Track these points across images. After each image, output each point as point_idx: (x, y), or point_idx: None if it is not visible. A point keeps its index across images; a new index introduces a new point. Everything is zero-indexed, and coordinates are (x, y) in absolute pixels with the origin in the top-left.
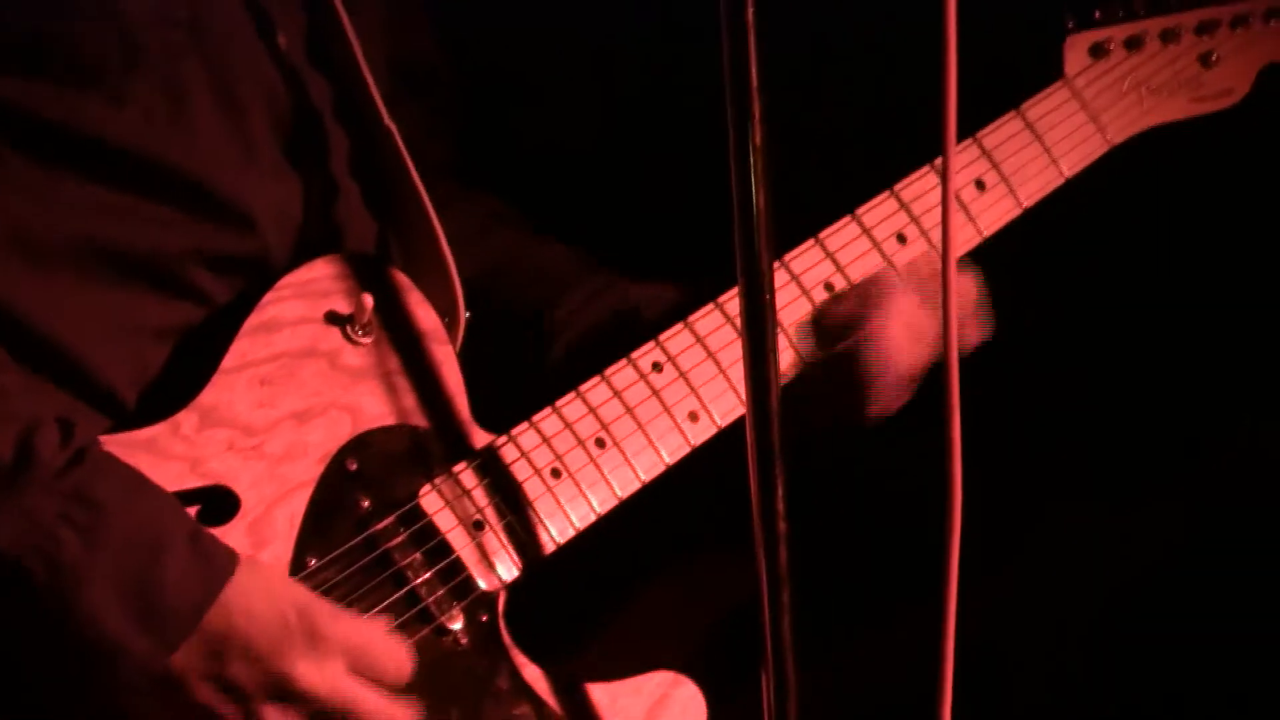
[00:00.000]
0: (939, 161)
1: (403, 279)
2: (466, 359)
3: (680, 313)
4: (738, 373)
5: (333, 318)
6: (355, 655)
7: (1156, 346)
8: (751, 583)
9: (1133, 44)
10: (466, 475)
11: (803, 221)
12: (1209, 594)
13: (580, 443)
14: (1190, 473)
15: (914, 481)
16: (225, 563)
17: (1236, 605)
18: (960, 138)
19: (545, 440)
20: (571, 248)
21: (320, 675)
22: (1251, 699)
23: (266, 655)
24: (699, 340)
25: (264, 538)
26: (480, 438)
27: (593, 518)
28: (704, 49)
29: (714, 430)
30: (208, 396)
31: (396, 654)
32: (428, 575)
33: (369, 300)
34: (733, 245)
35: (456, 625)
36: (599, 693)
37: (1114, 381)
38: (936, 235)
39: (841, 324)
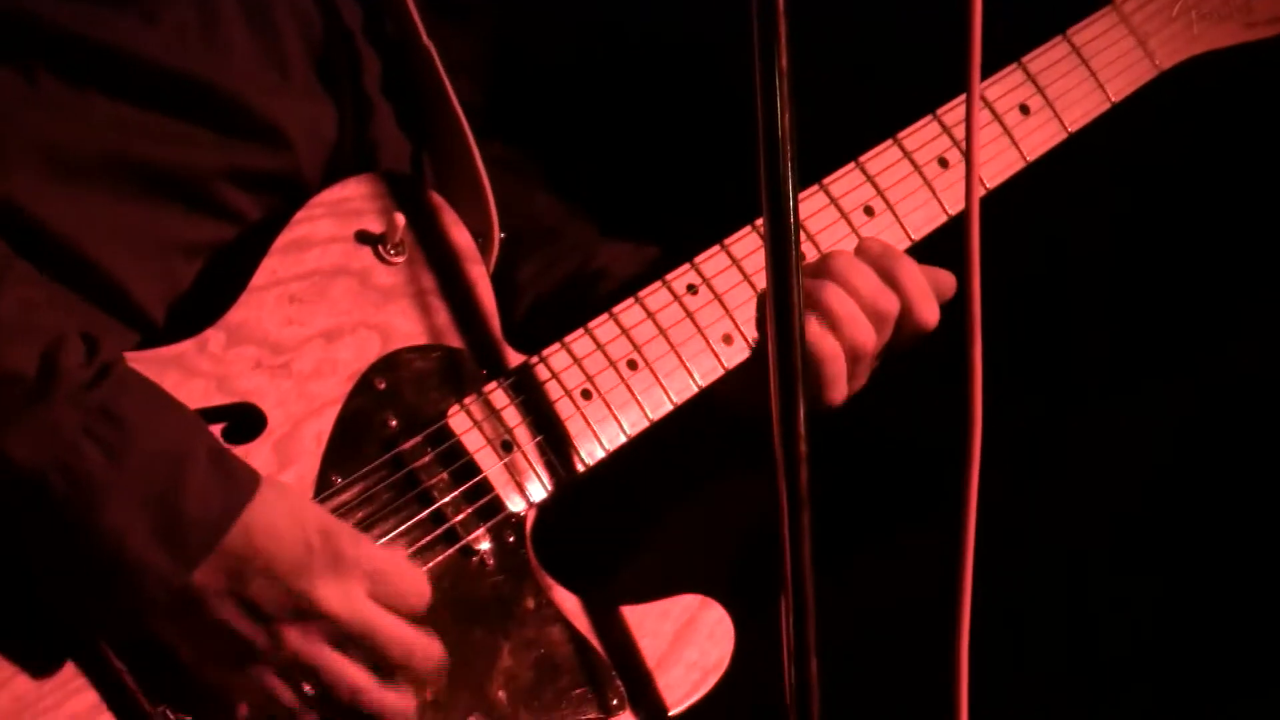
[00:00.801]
0: (984, 85)
1: (437, 198)
2: (498, 279)
3: (655, 273)
4: None
5: (364, 237)
6: (376, 579)
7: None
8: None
9: None
10: (496, 395)
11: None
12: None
13: (612, 364)
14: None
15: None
16: (248, 482)
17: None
18: (1006, 63)
19: (576, 361)
20: (564, 201)
21: (341, 597)
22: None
23: (288, 575)
24: (735, 263)
25: (290, 456)
26: (512, 358)
27: (623, 439)
28: None
29: (748, 353)
30: (236, 314)
31: (416, 580)
32: (454, 495)
33: (401, 219)
34: (756, 168)
35: (483, 546)
36: (626, 616)
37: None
38: (981, 158)
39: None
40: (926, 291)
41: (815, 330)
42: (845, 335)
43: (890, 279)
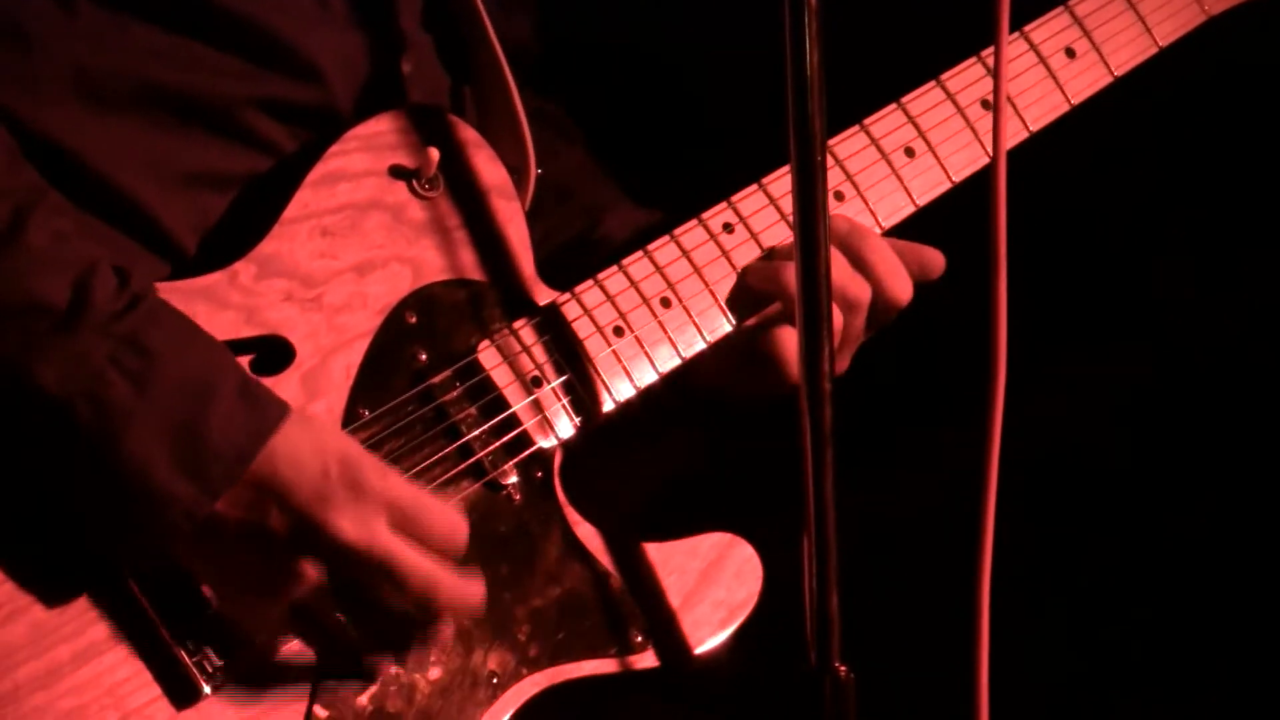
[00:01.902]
0: (1029, 28)
1: (472, 134)
2: (533, 215)
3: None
4: None
5: (398, 171)
6: (399, 511)
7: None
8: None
9: None
10: (526, 331)
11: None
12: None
13: (645, 301)
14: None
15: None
16: (274, 413)
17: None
18: (1052, 6)
19: (609, 298)
20: (587, 157)
21: (357, 527)
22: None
23: (305, 505)
24: (772, 201)
25: (318, 388)
26: (543, 294)
27: (654, 377)
28: None
29: None
30: (267, 246)
31: (448, 517)
32: (482, 430)
33: (435, 154)
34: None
35: (510, 480)
36: (653, 553)
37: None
38: (1024, 101)
39: (761, 291)
40: (897, 269)
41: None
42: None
43: (859, 261)
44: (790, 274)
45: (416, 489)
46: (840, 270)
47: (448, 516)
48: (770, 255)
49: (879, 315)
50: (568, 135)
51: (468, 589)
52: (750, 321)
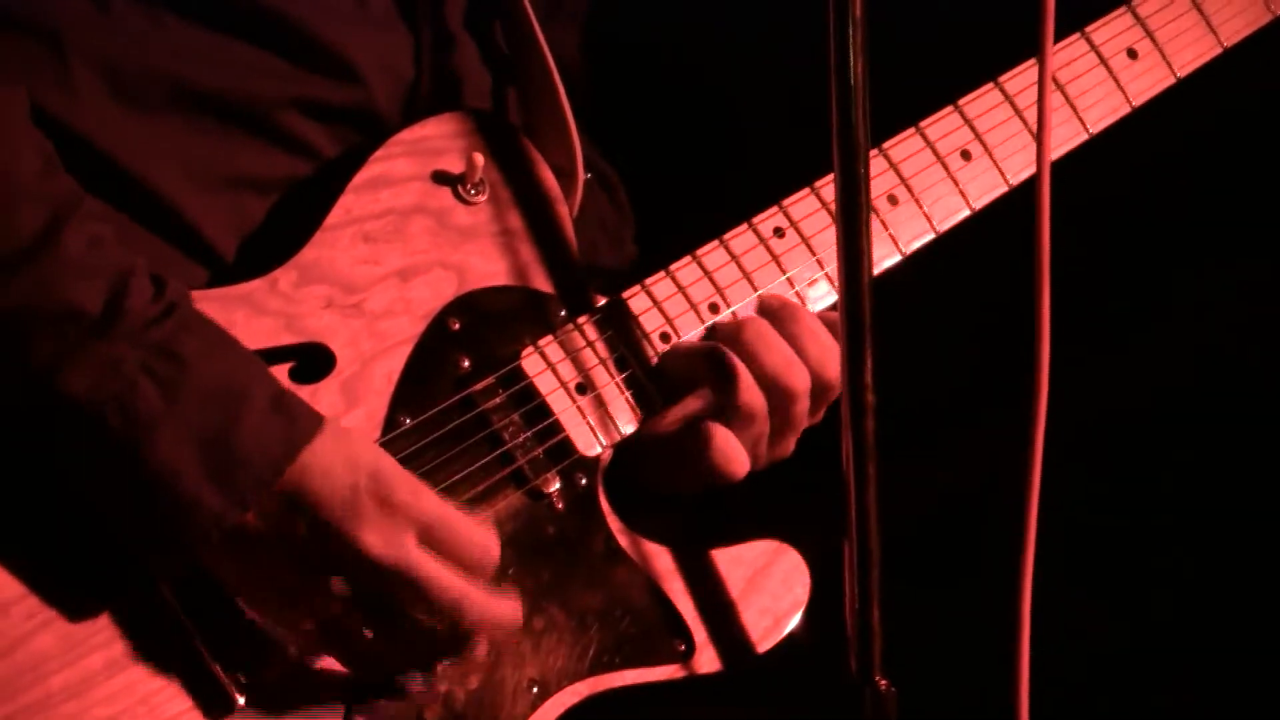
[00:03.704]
0: (1090, 29)
1: (520, 137)
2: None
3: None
4: None
5: (443, 176)
6: (429, 529)
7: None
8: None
9: None
10: (572, 337)
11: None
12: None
13: (693, 307)
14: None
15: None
16: (308, 424)
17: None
18: (1115, 6)
19: (657, 304)
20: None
21: (385, 543)
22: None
23: (334, 519)
24: (824, 205)
25: (358, 395)
26: (589, 301)
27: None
28: None
29: (834, 298)
30: (309, 253)
31: (481, 536)
32: (525, 437)
33: (480, 159)
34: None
35: (553, 488)
36: (699, 561)
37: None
38: (1085, 103)
39: (699, 374)
40: (832, 349)
41: (716, 439)
42: (743, 430)
43: (795, 346)
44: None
45: (448, 506)
46: (778, 356)
47: (478, 535)
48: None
49: (821, 397)
50: (605, 182)
51: (499, 607)
52: (670, 417)
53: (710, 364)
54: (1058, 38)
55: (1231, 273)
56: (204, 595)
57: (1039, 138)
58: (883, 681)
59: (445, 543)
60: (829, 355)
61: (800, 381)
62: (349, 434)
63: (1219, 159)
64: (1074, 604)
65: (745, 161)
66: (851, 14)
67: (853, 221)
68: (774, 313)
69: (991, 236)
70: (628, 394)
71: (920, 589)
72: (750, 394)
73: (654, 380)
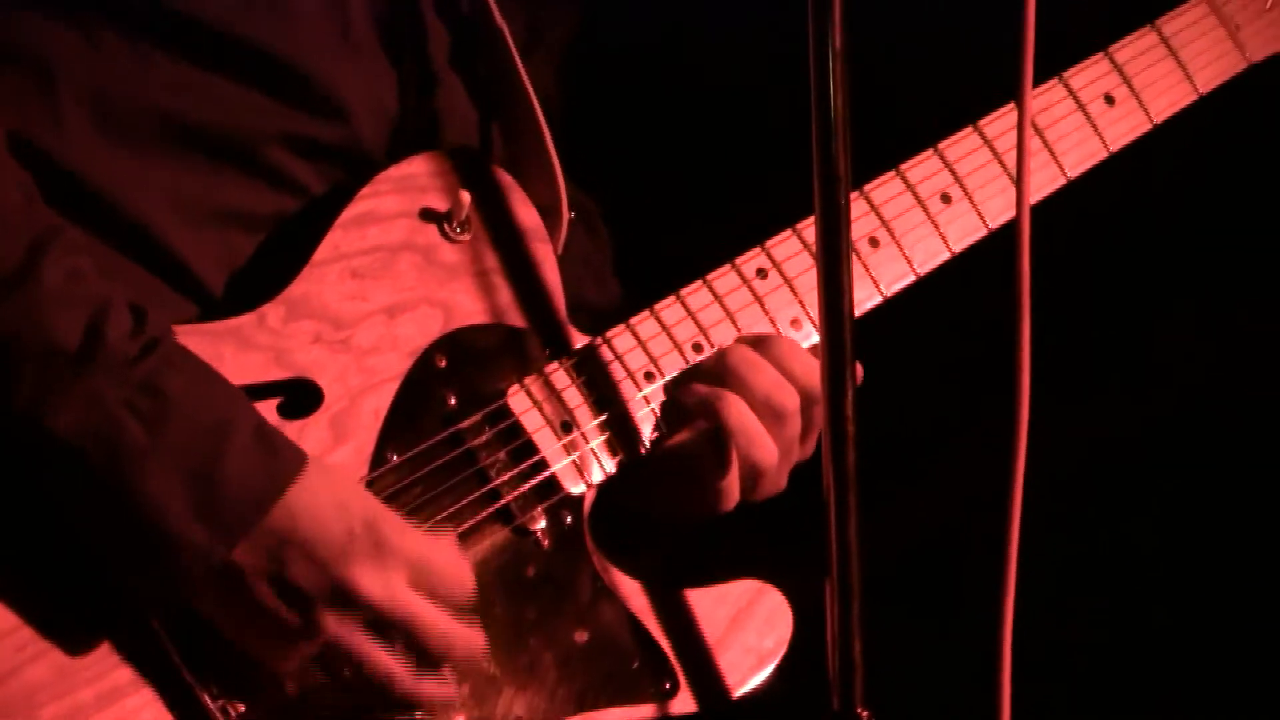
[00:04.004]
0: (1068, 74)
1: (504, 176)
2: (564, 261)
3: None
4: None
5: (430, 214)
6: (419, 569)
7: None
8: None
9: None
10: (558, 376)
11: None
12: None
13: (677, 346)
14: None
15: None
16: (293, 461)
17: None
18: (1092, 52)
19: (641, 343)
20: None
21: (381, 585)
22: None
23: (329, 560)
24: (806, 247)
25: (346, 431)
26: (575, 339)
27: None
28: None
29: (816, 338)
30: (297, 288)
31: (460, 571)
32: (511, 474)
33: (467, 197)
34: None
35: (539, 526)
36: (682, 599)
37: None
38: (1063, 148)
39: (692, 406)
40: (815, 367)
41: (708, 447)
42: (745, 453)
43: (781, 368)
44: (714, 404)
45: (434, 543)
46: (767, 378)
47: (458, 569)
48: (695, 371)
49: (810, 414)
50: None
51: (479, 642)
52: (677, 439)
53: (701, 405)
54: (1036, 82)
55: (1210, 310)
56: (194, 629)
57: (1019, 180)
58: (865, 714)
59: (429, 580)
60: (813, 371)
61: (790, 400)
62: (334, 472)
63: (1199, 196)
64: (1056, 635)
65: (728, 199)
66: (831, 46)
67: (834, 251)
68: (754, 340)
69: (973, 269)
70: (612, 433)
71: (903, 620)
72: (744, 417)
73: (639, 419)
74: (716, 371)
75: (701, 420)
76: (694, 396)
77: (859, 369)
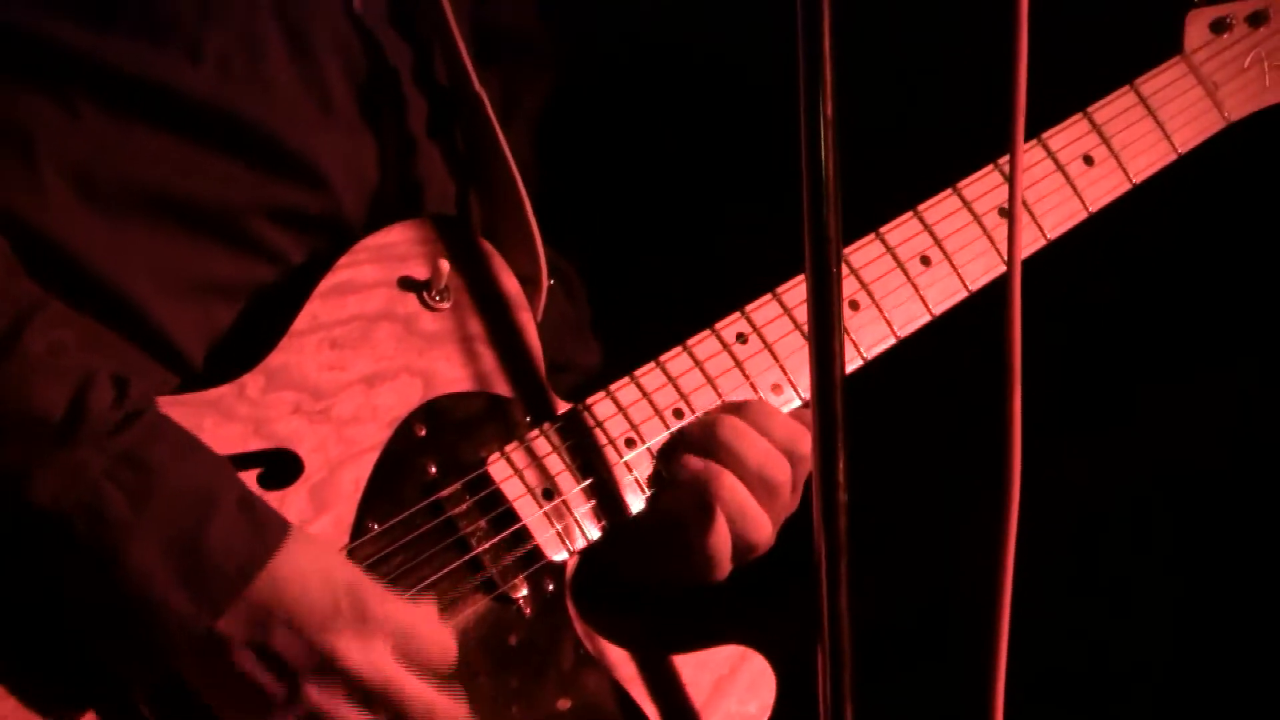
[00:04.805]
0: (1047, 135)
1: (484, 244)
2: (545, 326)
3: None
4: None
5: (409, 283)
6: (401, 638)
7: None
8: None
9: (1256, 19)
10: (538, 443)
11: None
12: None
13: (658, 413)
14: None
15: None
16: (277, 531)
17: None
18: (1072, 113)
19: (621, 409)
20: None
21: (364, 656)
22: None
23: (313, 630)
24: (786, 312)
25: (326, 501)
26: (556, 405)
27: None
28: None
29: (797, 403)
30: (276, 358)
31: (441, 639)
32: (492, 543)
33: (446, 265)
34: (802, 217)
35: (521, 594)
36: (665, 665)
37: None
38: (1042, 209)
39: (684, 481)
40: (805, 436)
41: (713, 523)
42: (739, 530)
43: (770, 436)
44: (707, 479)
45: (416, 612)
46: (759, 451)
47: (440, 637)
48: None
49: (798, 478)
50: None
51: (463, 714)
52: (667, 509)
53: (694, 481)
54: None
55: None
56: (178, 703)
57: (1010, 240)
58: None
59: (412, 650)
60: (799, 435)
61: (782, 472)
62: (317, 542)
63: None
64: (1049, 695)
65: (706, 262)
66: (823, 114)
67: (825, 320)
68: (738, 407)
69: (961, 329)
70: (594, 500)
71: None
72: (737, 495)
73: (621, 485)
74: (706, 442)
75: (693, 495)
76: (685, 471)
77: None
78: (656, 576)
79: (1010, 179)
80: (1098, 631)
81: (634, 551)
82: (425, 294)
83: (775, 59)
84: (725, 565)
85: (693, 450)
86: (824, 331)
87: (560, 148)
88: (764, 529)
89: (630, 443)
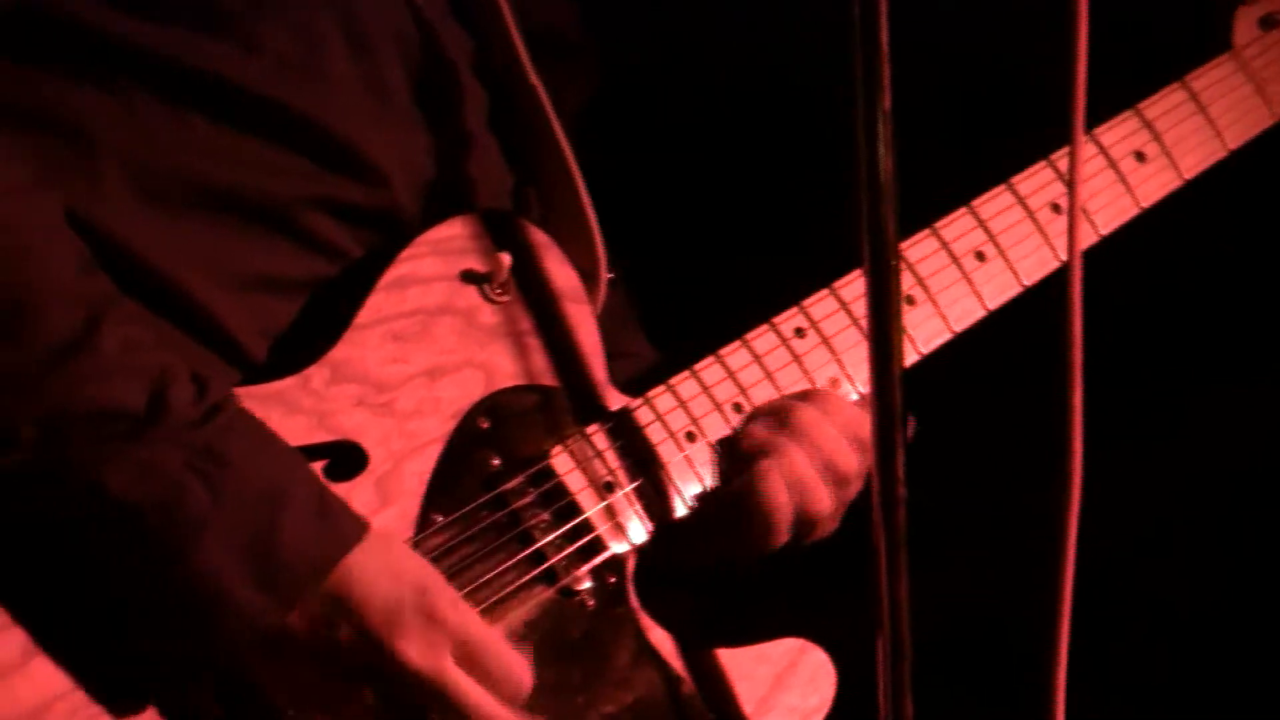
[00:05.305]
0: (1099, 131)
1: (542, 237)
2: (605, 319)
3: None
4: None
5: (470, 276)
6: (467, 646)
7: None
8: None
9: None
10: (599, 437)
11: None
12: None
13: (717, 406)
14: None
15: None
16: (352, 529)
17: None
18: (1123, 109)
19: (682, 403)
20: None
21: (423, 656)
22: None
23: (375, 627)
24: (843, 306)
25: (391, 494)
26: (615, 399)
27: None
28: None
29: (854, 397)
30: (339, 351)
31: (516, 663)
32: (555, 535)
33: (507, 259)
34: (859, 212)
35: (583, 586)
36: (726, 659)
37: None
38: (1094, 205)
39: (751, 451)
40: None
41: (770, 483)
42: (801, 501)
43: (848, 433)
44: (781, 449)
45: (488, 629)
46: (830, 441)
47: (514, 662)
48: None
49: (864, 472)
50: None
51: None
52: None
53: (763, 447)
54: (1062, 139)
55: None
56: (244, 695)
57: (1070, 233)
58: None
59: (481, 664)
60: (864, 424)
61: (851, 464)
62: (393, 541)
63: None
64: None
65: (760, 259)
66: (880, 108)
67: (883, 315)
68: (812, 396)
69: (1020, 323)
70: (654, 493)
71: (950, 685)
72: (806, 471)
73: (682, 479)
74: (779, 423)
75: (759, 465)
76: (754, 441)
77: (912, 422)
78: (715, 552)
79: (1070, 171)
80: (1159, 635)
81: (696, 529)
82: (486, 287)
83: (830, 53)
84: (782, 534)
85: (765, 427)
86: (883, 327)
87: (609, 146)
88: (825, 504)
89: (690, 436)
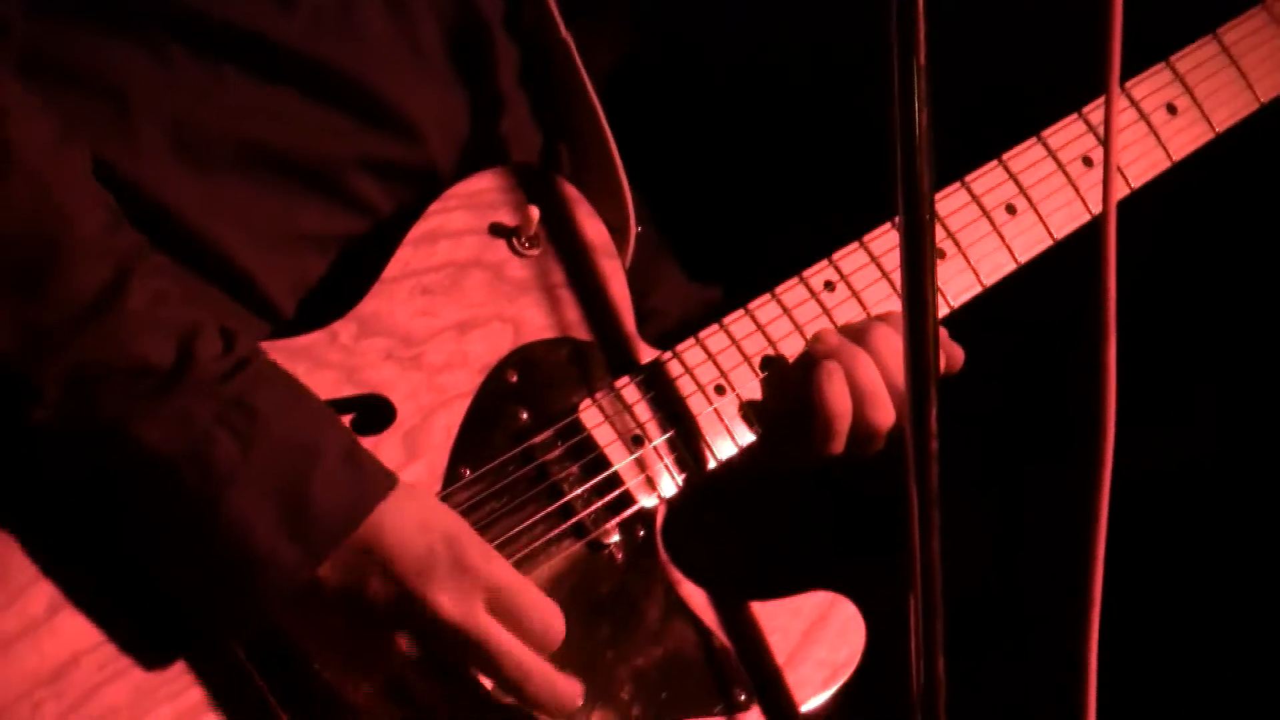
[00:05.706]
0: (1130, 85)
1: (572, 191)
2: (632, 272)
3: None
4: None
5: (499, 229)
6: (499, 595)
7: None
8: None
9: None
10: (629, 390)
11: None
12: None
13: (746, 359)
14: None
15: None
16: (381, 482)
17: None
18: (1154, 62)
19: (710, 356)
20: (650, 228)
21: (455, 605)
22: None
23: (405, 577)
24: (874, 259)
25: (419, 448)
26: (644, 353)
27: (755, 435)
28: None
29: None
30: (368, 305)
31: (548, 611)
32: (585, 489)
33: (535, 212)
34: (894, 167)
35: (613, 540)
36: (756, 612)
37: None
38: (1126, 158)
39: (821, 352)
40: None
41: (835, 387)
42: (863, 408)
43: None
44: (850, 359)
45: (520, 577)
46: (897, 359)
47: (546, 610)
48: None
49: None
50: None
51: (562, 686)
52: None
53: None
54: (1099, 92)
55: None
56: (275, 649)
57: (1105, 184)
58: None
59: (513, 612)
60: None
61: (886, 417)
62: (423, 494)
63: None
64: (1142, 659)
65: (789, 211)
66: (915, 63)
67: (917, 269)
68: (890, 318)
69: (1051, 277)
70: (683, 446)
71: (979, 648)
72: (870, 374)
73: (711, 432)
74: (852, 334)
75: (825, 367)
76: (826, 346)
77: (960, 353)
78: (771, 460)
79: (1105, 122)
80: (1193, 594)
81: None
82: (515, 241)
83: (866, 8)
84: (840, 440)
85: (836, 335)
86: (916, 281)
87: (641, 101)
88: (886, 417)
89: (720, 390)
